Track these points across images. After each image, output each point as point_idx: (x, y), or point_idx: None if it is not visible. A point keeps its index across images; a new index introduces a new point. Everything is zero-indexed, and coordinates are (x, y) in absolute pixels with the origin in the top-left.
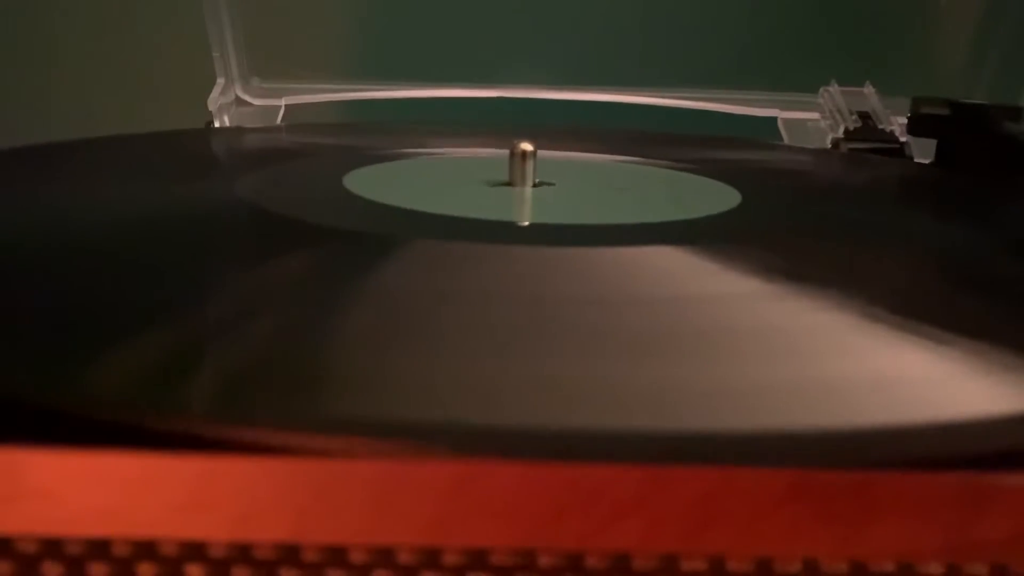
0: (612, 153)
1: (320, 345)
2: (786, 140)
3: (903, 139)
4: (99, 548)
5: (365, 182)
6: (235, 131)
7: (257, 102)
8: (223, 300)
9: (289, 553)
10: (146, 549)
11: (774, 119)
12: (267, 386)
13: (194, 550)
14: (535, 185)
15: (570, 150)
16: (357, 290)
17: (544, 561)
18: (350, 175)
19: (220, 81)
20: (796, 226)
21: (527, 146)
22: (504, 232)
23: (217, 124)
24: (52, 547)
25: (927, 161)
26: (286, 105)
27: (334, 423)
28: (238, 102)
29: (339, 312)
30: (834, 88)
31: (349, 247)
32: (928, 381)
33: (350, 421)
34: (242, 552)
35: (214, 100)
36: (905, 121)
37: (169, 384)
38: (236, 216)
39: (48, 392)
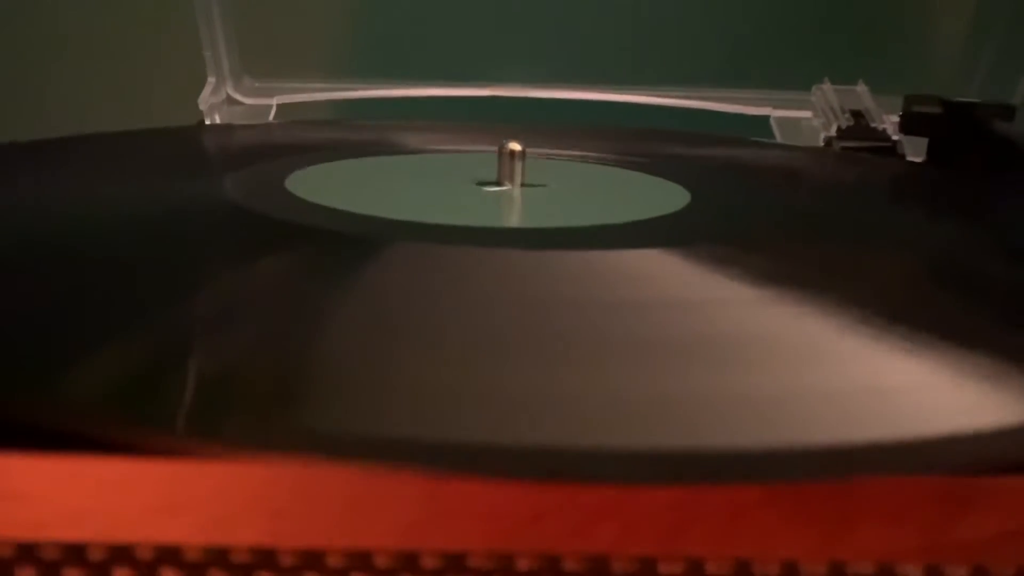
0: (603, 153)
1: (298, 355)
2: (779, 138)
3: (896, 137)
4: (74, 552)
5: (350, 181)
6: (221, 128)
7: (248, 101)
8: (200, 307)
9: (265, 557)
10: (121, 553)
11: (766, 117)
12: (241, 399)
13: (169, 554)
14: (524, 185)
15: (561, 149)
16: (338, 295)
17: (522, 564)
18: (336, 174)
19: (211, 80)
20: (785, 228)
21: (516, 146)
22: (491, 235)
23: (208, 123)
24: (26, 551)
25: (919, 159)
26: (277, 104)
27: (307, 441)
28: (229, 101)
29: (318, 319)
30: (827, 86)
31: (330, 250)
32: (916, 390)
33: (323, 438)
34: (218, 556)
35: (205, 99)
36: (898, 119)
37: (143, 396)
38: (216, 217)
39: (22, 401)
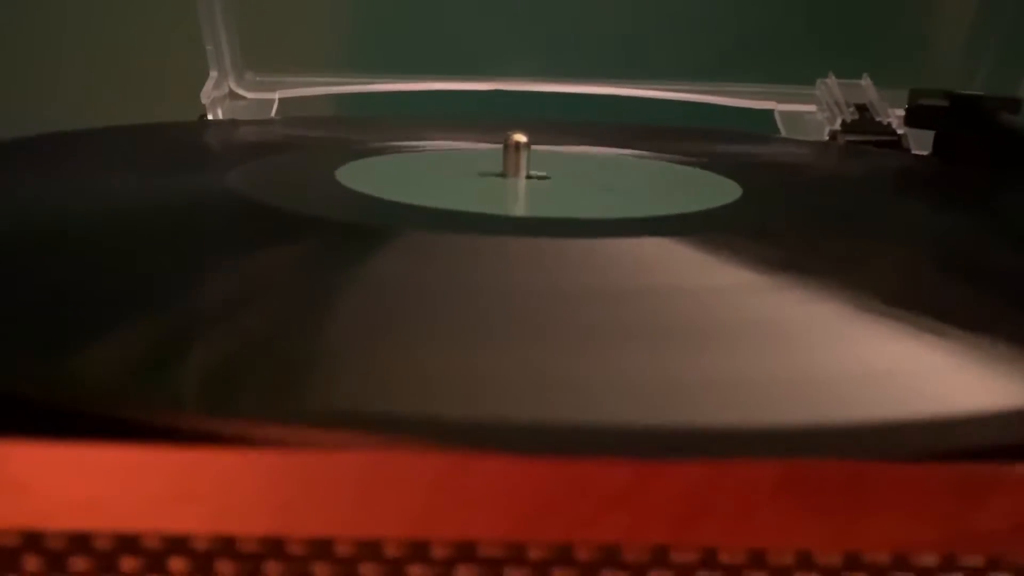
0: (606, 146)
1: (309, 338)
2: (783, 133)
3: (900, 131)
4: (80, 541)
5: (357, 175)
6: (227, 124)
7: (251, 95)
8: (210, 292)
9: (273, 546)
10: (128, 542)
11: (771, 111)
12: (254, 379)
13: (177, 543)
14: (529, 177)
15: (564, 143)
16: (347, 282)
17: (533, 554)
18: (342, 168)
19: (213, 74)
20: (791, 218)
21: (521, 138)
22: (496, 224)
23: (210, 118)
24: (32, 540)
25: (924, 153)
26: (280, 99)
27: (321, 417)
28: (231, 95)
29: (328, 305)
30: (831, 80)
31: (340, 239)
32: (923, 374)
33: (337, 415)
34: (226, 545)
35: (207, 94)
36: (903, 113)
37: (154, 377)
38: (226, 208)
39: (32, 383)
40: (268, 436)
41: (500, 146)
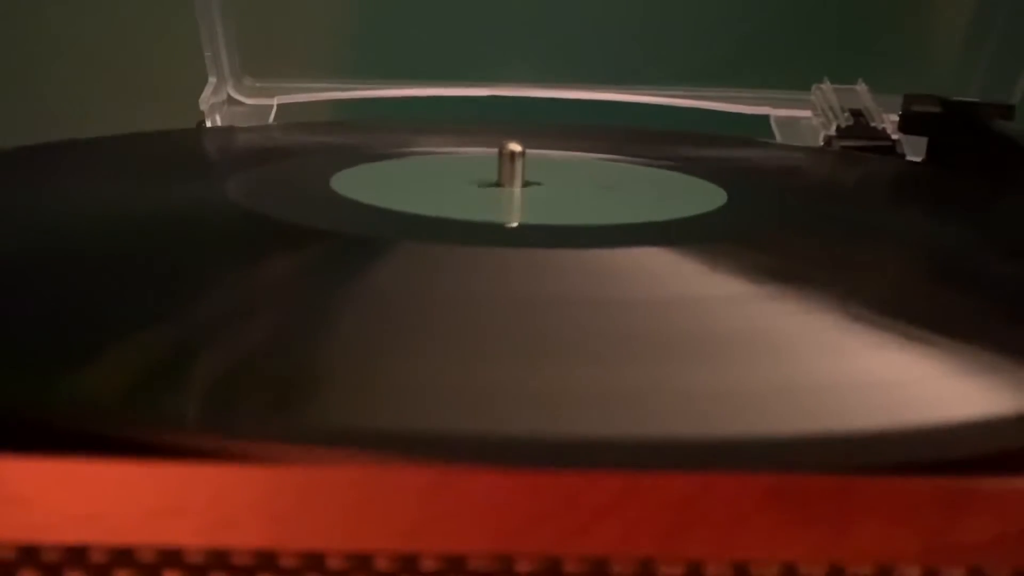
0: (602, 152)
1: (302, 352)
2: (778, 138)
3: (895, 137)
4: (76, 555)
5: (352, 182)
6: (224, 131)
7: (249, 101)
8: (204, 306)
9: (266, 559)
10: (123, 556)
11: (766, 117)
12: (248, 396)
13: (171, 557)
14: (524, 185)
15: (561, 149)
16: (341, 294)
17: (522, 566)
18: (337, 175)
19: (212, 80)
20: (784, 226)
21: (516, 147)
22: (490, 235)
23: (209, 124)
24: (28, 554)
25: (919, 159)
26: (278, 104)
27: (317, 434)
28: (230, 101)
29: (322, 318)
30: (827, 85)
31: (333, 250)
32: (914, 383)
33: (333, 433)
34: (219, 559)
35: (206, 99)
36: (897, 118)
37: (149, 394)
38: (221, 218)
39: (26, 404)
40: (264, 454)
41: (494, 150)
